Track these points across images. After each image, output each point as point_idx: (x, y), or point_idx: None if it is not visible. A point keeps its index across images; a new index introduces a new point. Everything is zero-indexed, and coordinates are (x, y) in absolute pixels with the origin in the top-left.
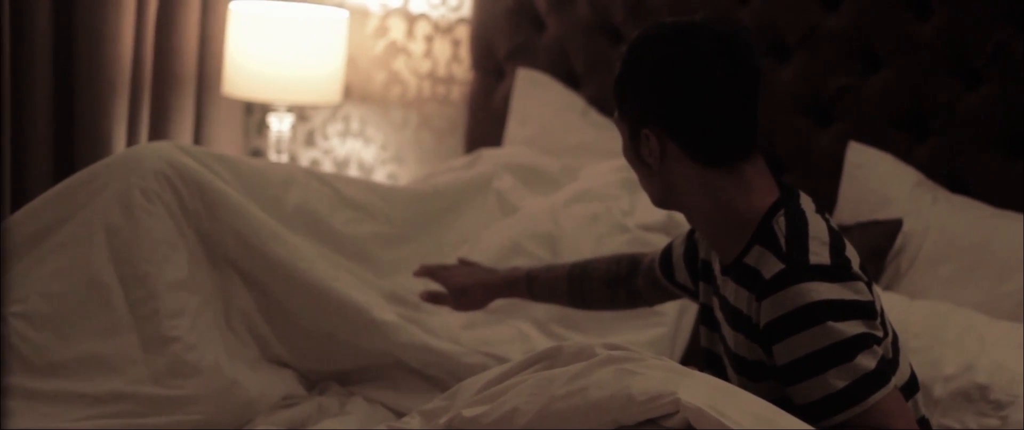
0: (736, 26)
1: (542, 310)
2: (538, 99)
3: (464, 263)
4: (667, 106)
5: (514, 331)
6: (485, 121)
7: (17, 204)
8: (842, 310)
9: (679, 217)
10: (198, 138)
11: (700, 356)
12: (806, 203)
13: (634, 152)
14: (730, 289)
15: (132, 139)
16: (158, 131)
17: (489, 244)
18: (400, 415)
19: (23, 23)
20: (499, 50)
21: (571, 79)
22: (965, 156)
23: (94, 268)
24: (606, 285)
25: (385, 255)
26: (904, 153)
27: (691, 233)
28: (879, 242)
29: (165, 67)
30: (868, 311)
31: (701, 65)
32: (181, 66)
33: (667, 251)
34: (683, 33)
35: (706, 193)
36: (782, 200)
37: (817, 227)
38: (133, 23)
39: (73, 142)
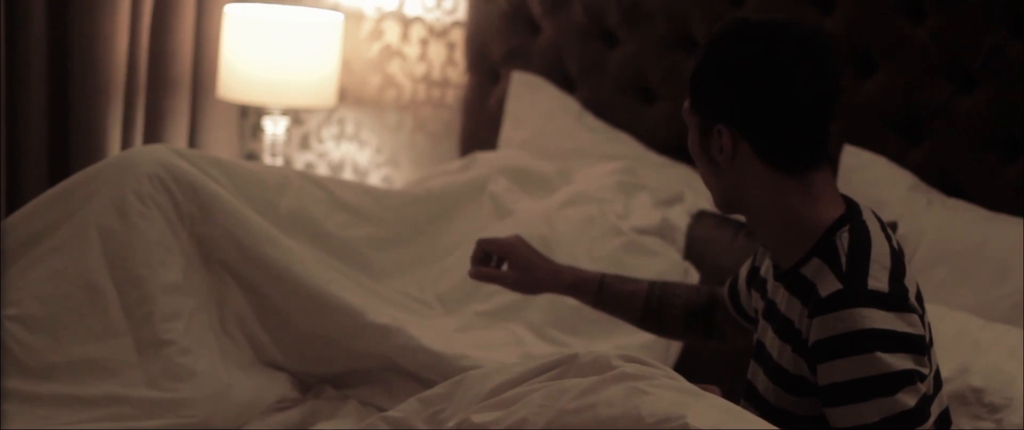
0: (821, 31)
1: (538, 314)
2: (533, 102)
3: (521, 240)
4: (745, 104)
5: (509, 335)
6: (480, 124)
7: (12, 207)
8: (893, 342)
9: (674, 222)
10: (193, 141)
11: (719, 373)
12: (871, 220)
13: (702, 147)
14: (781, 296)
15: (127, 142)
16: (153, 134)
17: None
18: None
19: (18, 26)
20: (494, 53)
21: (566, 82)
22: (960, 159)
23: (89, 271)
24: (685, 313)
25: (380, 258)
26: (898, 156)
27: (754, 256)
28: None
29: (160, 70)
30: (919, 346)
31: (786, 66)
32: (176, 69)
33: (734, 278)
34: (770, 32)
35: (772, 197)
36: (848, 215)
37: (880, 249)
38: (128, 26)
39: (68, 145)
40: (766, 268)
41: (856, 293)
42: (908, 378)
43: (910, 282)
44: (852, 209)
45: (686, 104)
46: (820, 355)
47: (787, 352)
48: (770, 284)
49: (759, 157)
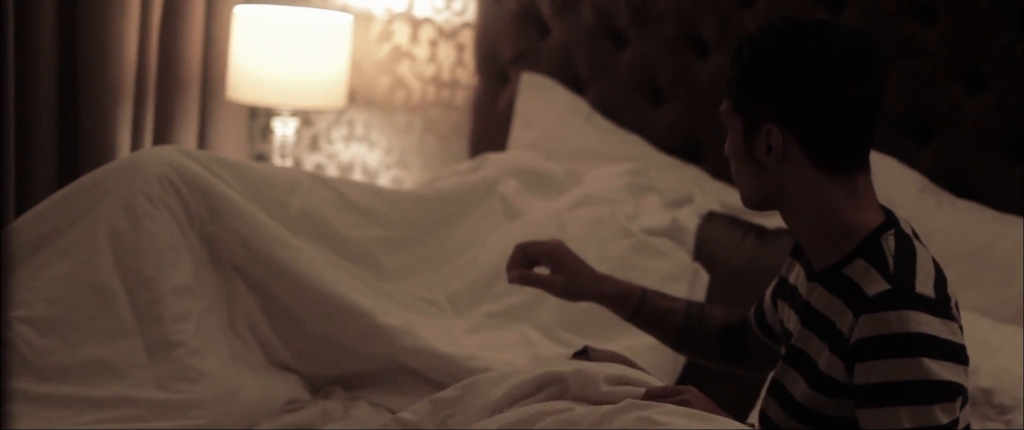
0: (866, 31)
1: (547, 315)
2: (542, 103)
3: (564, 245)
4: (800, 103)
5: (519, 336)
6: (489, 125)
7: (21, 209)
8: (940, 349)
9: (683, 223)
10: (202, 143)
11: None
12: (908, 230)
13: (745, 147)
14: (818, 296)
15: (136, 144)
16: (162, 136)
17: (493, 248)
18: None
19: (27, 27)
20: (503, 55)
21: (575, 83)
22: (969, 160)
23: (98, 273)
24: (721, 335)
25: (389, 259)
26: (908, 157)
27: (782, 281)
28: None
29: (169, 71)
30: (964, 357)
31: (840, 65)
32: (185, 70)
33: (759, 300)
34: (822, 30)
35: (816, 198)
36: (892, 221)
37: (924, 258)
38: (137, 27)
39: (77, 147)
40: (796, 274)
41: (905, 295)
42: (948, 392)
43: (951, 292)
44: (892, 216)
45: (725, 105)
46: (862, 354)
47: (825, 352)
48: (804, 287)
49: (808, 157)
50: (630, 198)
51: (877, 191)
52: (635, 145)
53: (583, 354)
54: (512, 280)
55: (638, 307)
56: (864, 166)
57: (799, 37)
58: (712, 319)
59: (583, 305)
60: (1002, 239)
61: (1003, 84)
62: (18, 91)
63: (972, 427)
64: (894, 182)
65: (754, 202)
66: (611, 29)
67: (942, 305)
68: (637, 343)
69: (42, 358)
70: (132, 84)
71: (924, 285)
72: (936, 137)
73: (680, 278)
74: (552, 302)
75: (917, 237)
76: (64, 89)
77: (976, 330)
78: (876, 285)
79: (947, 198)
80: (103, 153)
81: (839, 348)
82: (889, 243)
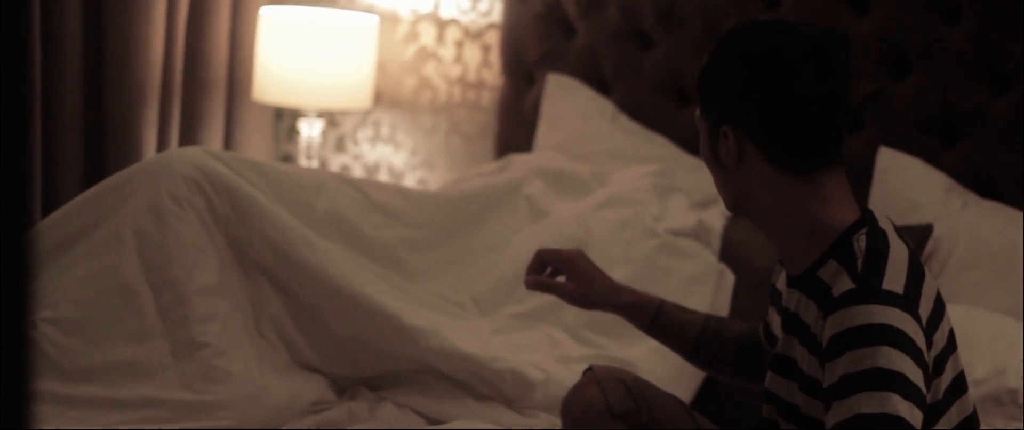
0: (832, 30)
1: (573, 315)
2: (568, 104)
3: (582, 254)
4: (748, 105)
5: (544, 337)
6: (515, 126)
7: (48, 210)
8: (906, 344)
9: (709, 223)
10: (228, 143)
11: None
12: (887, 227)
13: (711, 151)
14: (797, 301)
15: (162, 144)
16: (188, 136)
17: (519, 249)
18: (431, 420)
19: (53, 28)
20: (529, 55)
21: (601, 84)
22: (995, 161)
23: (124, 273)
24: (737, 349)
25: (415, 260)
26: (934, 158)
27: (772, 287)
28: None
29: (195, 72)
30: (923, 361)
31: (789, 65)
32: (211, 71)
33: (766, 312)
34: (774, 31)
35: (781, 200)
36: (865, 220)
37: (899, 255)
38: (163, 28)
39: (103, 147)
40: (781, 279)
41: (871, 291)
42: (907, 387)
43: (928, 289)
44: (867, 214)
45: (697, 110)
46: (828, 353)
47: (806, 355)
48: (784, 294)
49: (766, 159)
50: (656, 199)
51: (903, 192)
52: (661, 146)
53: (589, 372)
54: (527, 285)
55: (654, 318)
56: (831, 165)
57: (750, 39)
58: (728, 334)
59: None
60: None
61: None
62: (44, 92)
63: (999, 428)
64: (920, 183)
65: (729, 205)
66: (637, 30)
67: (911, 302)
68: (661, 346)
69: (68, 359)
70: (158, 85)
71: (892, 282)
72: (962, 138)
73: (706, 279)
74: None
75: (900, 234)
76: (90, 90)
77: (1003, 330)
78: (844, 285)
79: (973, 198)
80: (129, 154)
81: (817, 350)
82: (860, 243)
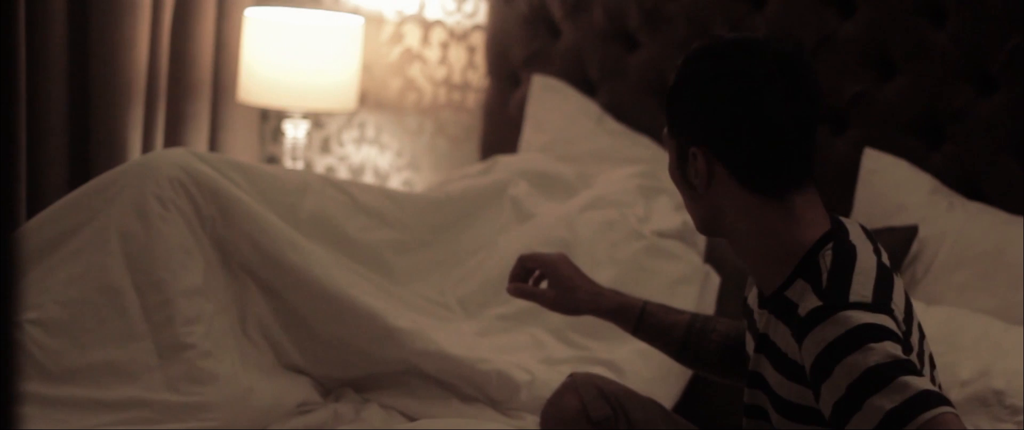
0: (798, 47)
1: (558, 317)
2: (553, 106)
3: (565, 258)
4: (716, 126)
5: (529, 338)
6: (500, 128)
7: (33, 211)
8: (881, 331)
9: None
10: (213, 145)
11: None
12: (859, 238)
13: (680, 172)
14: (768, 322)
15: (147, 146)
16: (173, 138)
17: (504, 251)
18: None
19: (39, 30)
20: (514, 57)
21: (586, 86)
22: (980, 162)
23: (109, 275)
24: (722, 348)
25: (400, 262)
26: (919, 159)
27: (743, 301)
28: (894, 249)
29: (180, 74)
30: (904, 342)
31: (758, 85)
32: (196, 73)
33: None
34: (740, 49)
35: (751, 221)
36: (832, 233)
37: (866, 264)
38: (148, 30)
39: (88, 149)
40: (752, 297)
41: (837, 304)
42: (904, 364)
43: (898, 296)
44: (837, 226)
45: (664, 130)
46: (820, 374)
47: (785, 383)
48: (756, 314)
49: (736, 180)
50: (641, 200)
51: (888, 193)
52: (646, 147)
53: (569, 378)
54: (510, 293)
55: (638, 321)
56: (801, 185)
57: (717, 57)
58: (714, 334)
59: None
60: (1013, 241)
61: (1014, 86)
62: (29, 94)
63: (984, 428)
64: (905, 184)
65: (699, 227)
66: (622, 31)
67: (880, 306)
68: (649, 347)
69: (53, 360)
70: (143, 87)
71: (859, 293)
72: (947, 139)
73: (691, 280)
74: None
75: (873, 239)
76: (75, 92)
77: (988, 332)
78: (810, 302)
79: (958, 200)
80: (114, 156)
81: (795, 375)
82: (826, 258)
